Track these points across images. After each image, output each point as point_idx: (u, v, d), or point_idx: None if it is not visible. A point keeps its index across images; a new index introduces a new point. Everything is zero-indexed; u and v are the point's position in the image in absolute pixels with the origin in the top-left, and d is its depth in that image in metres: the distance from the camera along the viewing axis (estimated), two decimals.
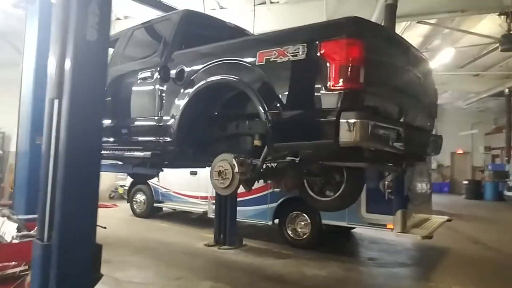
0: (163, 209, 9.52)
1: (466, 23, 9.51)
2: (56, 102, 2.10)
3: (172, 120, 3.46)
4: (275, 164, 3.65)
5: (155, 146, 3.64)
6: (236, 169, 3.04)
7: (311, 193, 4.43)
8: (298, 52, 2.66)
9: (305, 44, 2.63)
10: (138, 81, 3.86)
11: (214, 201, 7.41)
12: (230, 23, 4.26)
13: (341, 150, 2.57)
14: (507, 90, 14.86)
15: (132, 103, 3.93)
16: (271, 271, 5.23)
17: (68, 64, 2.04)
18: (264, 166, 3.57)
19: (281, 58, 2.74)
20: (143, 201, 9.23)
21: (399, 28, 10.18)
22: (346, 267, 5.53)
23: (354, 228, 6.96)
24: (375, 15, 6.71)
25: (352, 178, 4.16)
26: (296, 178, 3.71)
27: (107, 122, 4.14)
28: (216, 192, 6.67)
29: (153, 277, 4.84)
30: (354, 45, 2.48)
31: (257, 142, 3.37)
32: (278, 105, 2.75)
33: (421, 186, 6.95)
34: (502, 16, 7.71)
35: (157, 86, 3.66)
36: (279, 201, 6.70)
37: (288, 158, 3.48)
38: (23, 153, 4.60)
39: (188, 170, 8.17)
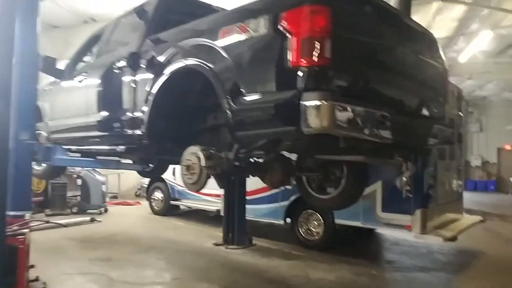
0: (181, 207, 9.41)
1: (508, 1, 8.59)
2: None
3: (143, 112, 3.22)
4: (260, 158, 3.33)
5: (130, 140, 3.42)
6: (203, 163, 2.75)
7: (310, 190, 4.07)
8: (259, 27, 2.31)
9: (267, 17, 2.28)
10: (115, 72, 3.65)
11: None
12: (218, 7, 3.95)
13: (308, 139, 2.20)
14: None
15: (112, 96, 3.74)
16: (275, 274, 4.90)
17: None
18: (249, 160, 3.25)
19: (242, 34, 2.41)
20: (160, 199, 9.17)
21: (429, 12, 9.44)
22: (358, 271, 5.08)
23: (374, 228, 6.47)
24: None
25: (352, 173, 3.75)
26: (283, 173, 3.35)
27: (94, 116, 4.00)
28: (225, 190, 6.45)
29: (150, 277, 4.66)
30: (320, 13, 2.10)
31: None
32: (240, 89, 2.42)
33: (448, 183, 6.31)
34: None
35: (131, 76, 3.43)
36: (291, 199, 6.32)
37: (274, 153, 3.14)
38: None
39: None
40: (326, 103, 2.02)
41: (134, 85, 3.38)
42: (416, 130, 2.80)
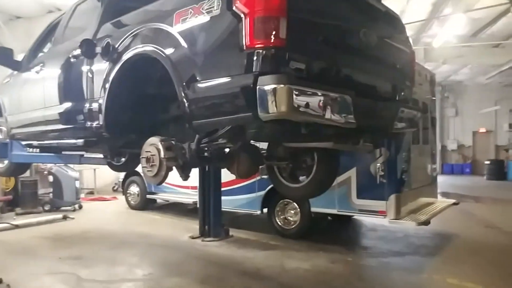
0: (158, 200, 9.25)
1: None
2: None
3: (99, 102, 3.05)
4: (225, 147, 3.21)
5: (89, 133, 3.25)
6: (162, 154, 2.62)
7: (281, 180, 3.97)
8: (213, 7, 2.18)
9: None
10: (71, 61, 3.46)
11: None
12: None
13: (267, 125, 2.10)
14: None
15: (69, 86, 3.55)
16: (249, 265, 4.83)
17: None
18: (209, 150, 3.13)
19: (196, 16, 2.27)
20: (137, 193, 8.98)
21: None
22: (334, 258, 5.06)
23: (353, 215, 6.47)
24: None
25: (323, 160, 3.66)
26: (250, 163, 3.25)
27: (51, 108, 3.80)
28: (199, 181, 6.33)
29: (121, 274, 4.52)
30: None
31: None
32: (196, 77, 2.29)
33: (422, 168, 6.35)
34: None
35: (85, 65, 3.24)
36: (267, 189, 6.25)
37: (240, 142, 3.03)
38: None
39: None
40: (282, 86, 1.91)
41: (90, 75, 3.20)
42: (381, 113, 2.73)
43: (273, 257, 5.16)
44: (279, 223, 6.24)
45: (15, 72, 4.63)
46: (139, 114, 3.17)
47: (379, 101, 2.71)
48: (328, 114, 2.12)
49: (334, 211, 5.72)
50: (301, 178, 3.91)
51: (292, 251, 5.45)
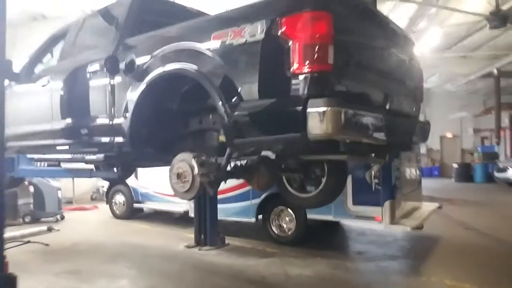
0: (144, 209, 9.12)
1: (453, 1, 9.15)
2: None
3: (124, 118, 3.05)
4: (246, 161, 3.29)
5: (108, 148, 3.23)
6: (196, 171, 2.66)
7: (291, 190, 4.09)
8: (256, 32, 2.26)
9: (264, 22, 2.24)
10: (88, 76, 3.43)
11: None
12: (192, 8, 3.82)
13: (311, 144, 2.20)
14: (495, 71, 14.63)
15: (82, 101, 3.51)
16: (253, 273, 4.89)
17: None
18: (232, 164, 3.21)
19: (237, 39, 2.34)
20: (122, 202, 8.81)
21: (383, 10, 9.84)
22: (333, 263, 5.21)
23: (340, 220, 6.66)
24: None
25: (333, 171, 3.81)
26: (270, 175, 3.34)
27: (60, 122, 3.73)
28: None
29: None
30: (321, 19, 2.09)
31: (222, 138, 2.98)
32: (237, 95, 2.36)
33: (410, 174, 6.65)
34: None
35: (107, 80, 3.23)
36: (263, 197, 6.34)
37: (260, 155, 3.12)
38: None
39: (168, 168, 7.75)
40: (331, 109, 2.02)
41: (112, 90, 3.19)
42: (404, 129, 2.90)
43: (274, 265, 5.24)
44: (274, 230, 6.34)
45: (12, 83, 4.48)
46: (160, 129, 3.19)
47: (400, 118, 2.88)
48: (368, 133, 2.26)
49: (330, 218, 5.88)
50: (308, 188, 4.06)
51: (291, 258, 5.55)
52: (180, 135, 3.34)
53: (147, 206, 8.71)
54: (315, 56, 2.06)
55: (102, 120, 3.28)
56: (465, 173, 17.53)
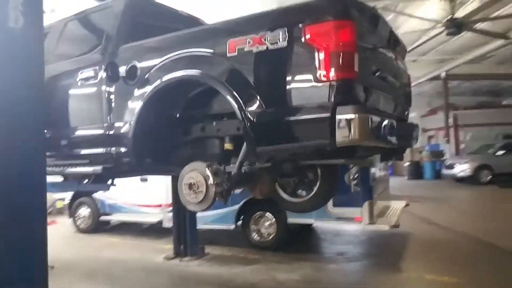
0: (111, 222, 8.70)
1: (408, 8, 9.66)
2: None
3: (126, 126, 2.91)
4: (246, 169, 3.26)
5: (105, 159, 3.06)
6: (211, 181, 2.60)
7: (284, 195, 4.10)
8: (278, 39, 2.26)
9: (286, 29, 2.25)
10: (78, 82, 3.23)
11: (169, 209, 6.89)
12: (183, 11, 3.74)
13: (335, 149, 2.24)
14: (443, 74, 15.72)
15: (71, 109, 3.30)
16: (242, 281, 4.85)
17: None
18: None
19: (257, 46, 2.33)
20: (87, 215, 8.34)
21: None
22: (317, 266, 5.31)
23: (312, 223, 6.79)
24: None
25: (326, 175, 3.88)
26: (272, 182, 3.34)
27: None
28: (173, 199, 6.15)
29: None
30: (345, 27, 2.14)
31: (228, 146, 2.95)
32: (258, 102, 2.34)
33: (380, 174, 6.94)
34: (445, 0, 7.82)
35: (104, 87, 3.07)
36: (242, 203, 6.30)
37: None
38: None
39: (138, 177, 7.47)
40: (359, 116, 2.07)
41: (109, 98, 3.03)
42: (405, 132, 3.03)
43: (260, 271, 5.23)
44: (255, 236, 6.33)
45: None
46: (159, 137, 3.08)
47: (402, 121, 3.01)
48: (387, 138, 2.34)
49: (311, 221, 6.00)
50: (299, 193, 4.10)
51: (274, 263, 5.57)
52: (178, 144, 3.25)
53: (116, 218, 8.32)
54: (342, 63, 2.10)
55: (95, 130, 3.10)
56: (416, 171, 18.60)
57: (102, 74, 3.05)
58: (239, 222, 6.44)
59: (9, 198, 1.56)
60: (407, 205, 7.35)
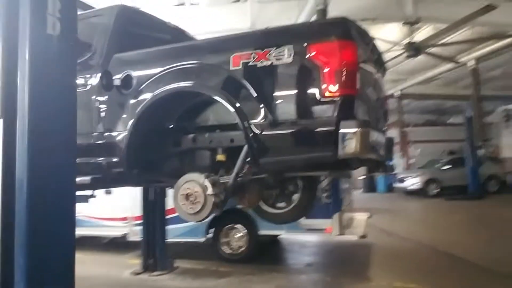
0: None
1: (371, 29, 10.21)
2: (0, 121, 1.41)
3: (120, 136, 2.85)
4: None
5: (93, 169, 2.96)
6: (210, 191, 2.61)
7: (265, 207, 4.17)
8: (283, 55, 2.37)
9: (291, 47, 2.35)
10: None
11: (136, 222, 6.70)
12: (170, 22, 3.75)
13: (336, 161, 2.35)
14: (399, 92, 16.74)
15: None
16: None
17: (24, 71, 1.37)
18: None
19: (262, 61, 2.42)
20: None
21: None
22: (290, 277, 5.42)
23: (279, 234, 6.88)
24: (301, 20, 6.76)
25: (308, 187, 4.01)
26: (259, 193, 3.41)
27: None
28: (143, 211, 5.99)
29: None
30: (348, 47, 2.29)
31: (220, 157, 2.98)
32: (263, 114, 2.42)
33: (344, 186, 7.21)
34: (405, 25, 8.38)
35: (94, 96, 2.99)
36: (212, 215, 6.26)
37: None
38: None
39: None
40: (361, 130, 2.21)
41: (99, 106, 2.96)
42: (387, 146, 3.23)
43: (234, 283, 5.22)
44: (225, 249, 6.30)
45: None
46: (152, 148, 3.05)
47: (384, 135, 3.21)
48: (379, 151, 2.50)
49: (282, 233, 6.09)
50: (278, 204, 4.19)
51: (247, 275, 5.57)
52: (167, 154, 3.24)
53: (76, 232, 7.90)
54: (345, 81, 2.24)
55: (83, 139, 3.00)
56: (370, 184, 19.42)
57: (93, 82, 2.98)
58: (209, 235, 6.39)
59: (43, 205, 1.49)
60: (369, 216, 7.67)
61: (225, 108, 2.83)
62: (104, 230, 7.54)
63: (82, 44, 2.97)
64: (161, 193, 5.92)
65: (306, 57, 2.31)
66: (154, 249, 5.86)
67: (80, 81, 3.00)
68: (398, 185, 17.38)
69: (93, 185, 3.08)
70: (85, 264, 6.63)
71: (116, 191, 7.02)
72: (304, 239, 7.48)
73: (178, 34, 3.68)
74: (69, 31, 1.42)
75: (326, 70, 2.26)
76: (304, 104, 2.34)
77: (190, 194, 2.67)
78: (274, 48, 2.39)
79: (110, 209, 7.35)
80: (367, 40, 2.83)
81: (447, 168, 16.63)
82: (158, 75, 2.77)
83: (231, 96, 2.49)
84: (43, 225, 1.48)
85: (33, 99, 1.32)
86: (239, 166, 2.72)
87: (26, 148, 1.33)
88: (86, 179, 2.88)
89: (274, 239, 7.43)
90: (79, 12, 3.35)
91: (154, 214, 5.87)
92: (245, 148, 2.63)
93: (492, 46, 9.78)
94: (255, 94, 2.44)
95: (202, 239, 6.39)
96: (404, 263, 5.97)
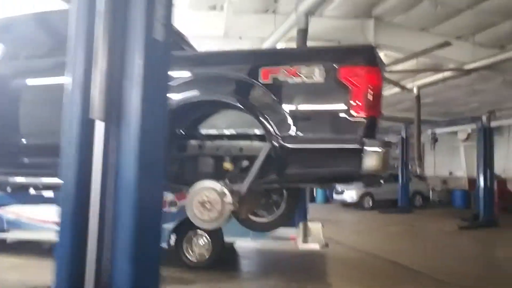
0: (7, 240, 7.53)
1: None
2: (101, 124, 1.33)
3: None
4: None
5: None
6: (228, 199, 2.65)
7: (249, 216, 4.24)
8: (314, 74, 2.51)
9: (322, 67, 2.50)
10: (52, 86, 2.95)
11: None
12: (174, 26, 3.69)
13: (357, 176, 2.54)
14: None
15: (41, 113, 3.02)
16: None
17: (133, 74, 1.32)
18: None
19: (292, 78, 2.53)
20: None
21: None
22: (258, 283, 5.51)
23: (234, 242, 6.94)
24: (276, 35, 6.96)
25: (291, 196, 4.17)
26: (256, 202, 3.49)
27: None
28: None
29: None
30: (375, 72, 2.50)
31: (227, 166, 3.02)
32: (291, 128, 2.53)
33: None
34: None
35: None
36: (176, 222, 6.17)
37: None
38: None
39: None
40: (384, 149, 2.43)
41: None
42: None
43: None
44: (189, 255, 6.22)
45: None
46: None
47: None
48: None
49: (248, 240, 6.17)
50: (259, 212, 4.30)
51: (213, 282, 5.59)
52: (170, 160, 3.20)
53: (16, 236, 7.25)
54: (372, 103, 2.44)
55: None
56: (310, 195, 20.18)
57: None
58: (172, 242, 6.27)
59: (149, 209, 1.43)
60: (323, 226, 8.04)
61: (236, 118, 2.89)
62: (47, 234, 7.00)
63: None
64: None
65: (336, 78, 2.48)
66: None
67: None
68: (336, 197, 18.29)
69: None
70: (29, 270, 6.15)
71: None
72: (258, 247, 7.62)
73: (177, 38, 3.64)
74: (169, 36, 1.41)
75: (355, 92, 2.44)
76: (332, 121, 2.50)
77: (207, 201, 2.68)
78: (304, 66, 2.52)
79: (56, 211, 6.86)
80: (384, 67, 3.09)
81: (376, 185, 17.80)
82: (183, 80, 2.74)
83: (260, 108, 2.57)
84: (148, 226, 1.44)
85: (144, 102, 1.30)
86: (253, 175, 2.79)
87: (137, 151, 1.29)
88: None
89: (231, 247, 7.47)
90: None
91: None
92: (261, 157, 2.72)
93: (431, 78, 10.90)
94: (284, 108, 2.54)
95: (166, 246, 6.25)
96: (359, 270, 6.38)
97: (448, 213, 15.30)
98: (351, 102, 2.45)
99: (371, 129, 2.48)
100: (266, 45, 7.37)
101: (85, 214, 1.43)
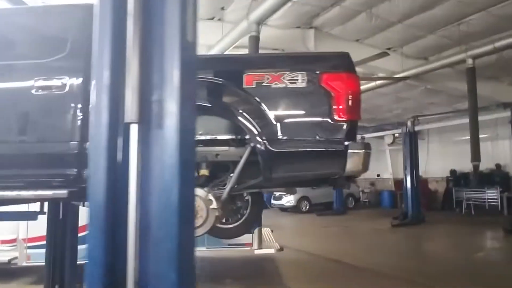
0: None
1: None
2: (134, 127, 1.21)
3: None
4: None
5: (69, 180, 2.60)
6: (214, 205, 2.61)
7: None
8: (297, 80, 2.58)
9: (305, 73, 2.59)
10: (32, 90, 2.67)
11: (28, 244, 5.84)
12: None
13: (339, 178, 2.65)
14: None
15: (19, 120, 2.71)
16: None
17: (172, 76, 1.22)
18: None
19: (276, 83, 2.59)
20: None
21: None
22: None
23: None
24: (225, 42, 6.97)
25: (256, 202, 4.20)
26: (228, 208, 3.48)
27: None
28: (47, 231, 5.22)
29: None
30: (355, 79, 2.64)
31: (204, 172, 2.97)
32: (277, 132, 2.57)
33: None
34: None
35: (72, 102, 2.64)
36: None
37: None
38: None
39: None
40: (365, 151, 2.57)
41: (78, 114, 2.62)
42: None
43: None
44: None
45: None
46: None
47: None
48: None
49: (203, 248, 6.06)
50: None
51: None
52: None
53: None
54: (352, 107, 2.58)
55: (59, 147, 2.62)
56: (267, 201, 20.34)
57: (71, 85, 2.64)
58: None
59: (188, 213, 1.33)
60: (272, 231, 8.17)
61: (214, 123, 2.87)
62: None
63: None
64: (72, 211, 5.30)
65: (319, 83, 2.58)
66: (62, 273, 5.16)
67: (54, 82, 2.63)
68: (275, 202, 18.67)
69: (69, 198, 2.69)
70: None
71: (2, 209, 5.96)
72: (213, 254, 7.50)
73: None
74: (196, 38, 1.36)
75: (336, 97, 2.56)
76: (315, 125, 2.58)
77: None
78: (288, 72, 2.59)
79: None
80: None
81: (316, 188, 18.60)
82: None
83: (245, 112, 2.57)
84: (187, 231, 1.35)
85: (181, 103, 1.23)
86: (233, 181, 2.79)
87: (177, 153, 1.21)
88: (60, 192, 2.51)
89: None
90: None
91: (63, 234, 5.19)
92: (242, 163, 2.73)
93: (365, 86, 11.67)
94: (268, 113, 2.58)
95: None
96: (312, 272, 6.58)
97: (379, 213, 16.43)
98: (334, 106, 2.57)
99: (352, 132, 2.61)
100: (213, 52, 7.36)
101: (123, 222, 1.32)
